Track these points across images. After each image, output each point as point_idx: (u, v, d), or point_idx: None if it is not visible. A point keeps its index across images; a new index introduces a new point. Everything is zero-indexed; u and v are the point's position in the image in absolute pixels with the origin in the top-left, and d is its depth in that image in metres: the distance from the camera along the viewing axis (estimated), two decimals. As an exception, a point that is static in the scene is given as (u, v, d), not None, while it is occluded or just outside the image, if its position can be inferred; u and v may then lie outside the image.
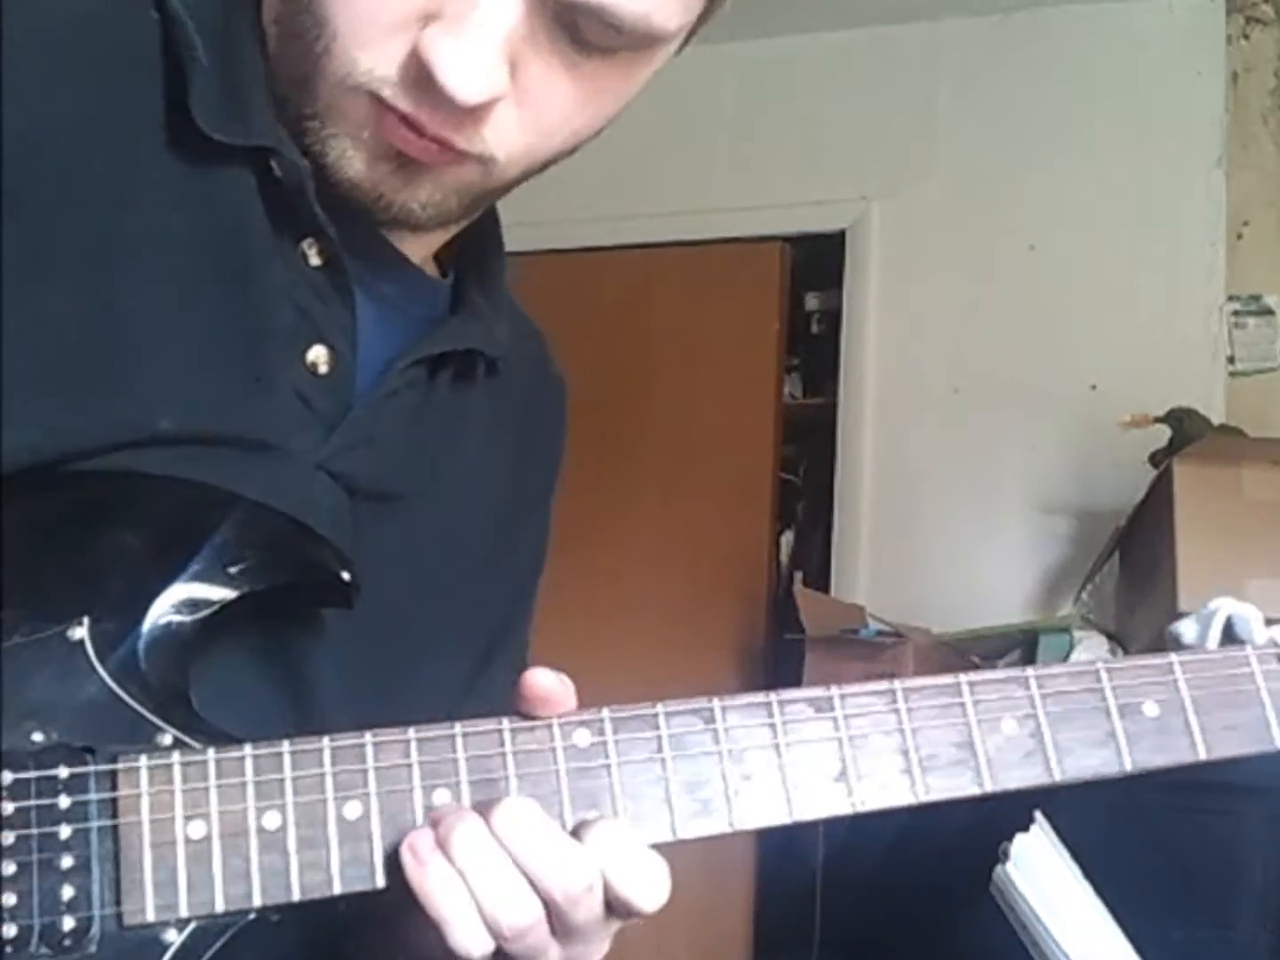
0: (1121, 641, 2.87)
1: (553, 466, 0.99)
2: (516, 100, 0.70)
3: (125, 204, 0.69)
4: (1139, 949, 1.67)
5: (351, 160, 0.71)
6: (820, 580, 3.68)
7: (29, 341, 0.66)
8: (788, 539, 4.12)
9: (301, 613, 0.74)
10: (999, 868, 1.71)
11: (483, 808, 0.64)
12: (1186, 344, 3.29)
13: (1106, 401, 3.24)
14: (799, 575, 3.97)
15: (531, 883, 0.63)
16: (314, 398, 0.75)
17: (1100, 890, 1.70)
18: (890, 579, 3.48)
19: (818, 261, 3.84)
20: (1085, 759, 0.71)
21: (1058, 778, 0.71)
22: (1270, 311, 3.28)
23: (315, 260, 0.75)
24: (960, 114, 3.60)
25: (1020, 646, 2.98)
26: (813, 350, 4.12)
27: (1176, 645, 0.81)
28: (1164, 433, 2.85)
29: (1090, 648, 2.82)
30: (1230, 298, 3.30)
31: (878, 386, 3.60)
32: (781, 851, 3.03)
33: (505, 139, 0.71)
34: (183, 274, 0.71)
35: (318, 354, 0.75)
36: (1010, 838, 1.72)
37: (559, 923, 0.64)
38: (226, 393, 0.72)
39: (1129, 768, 0.72)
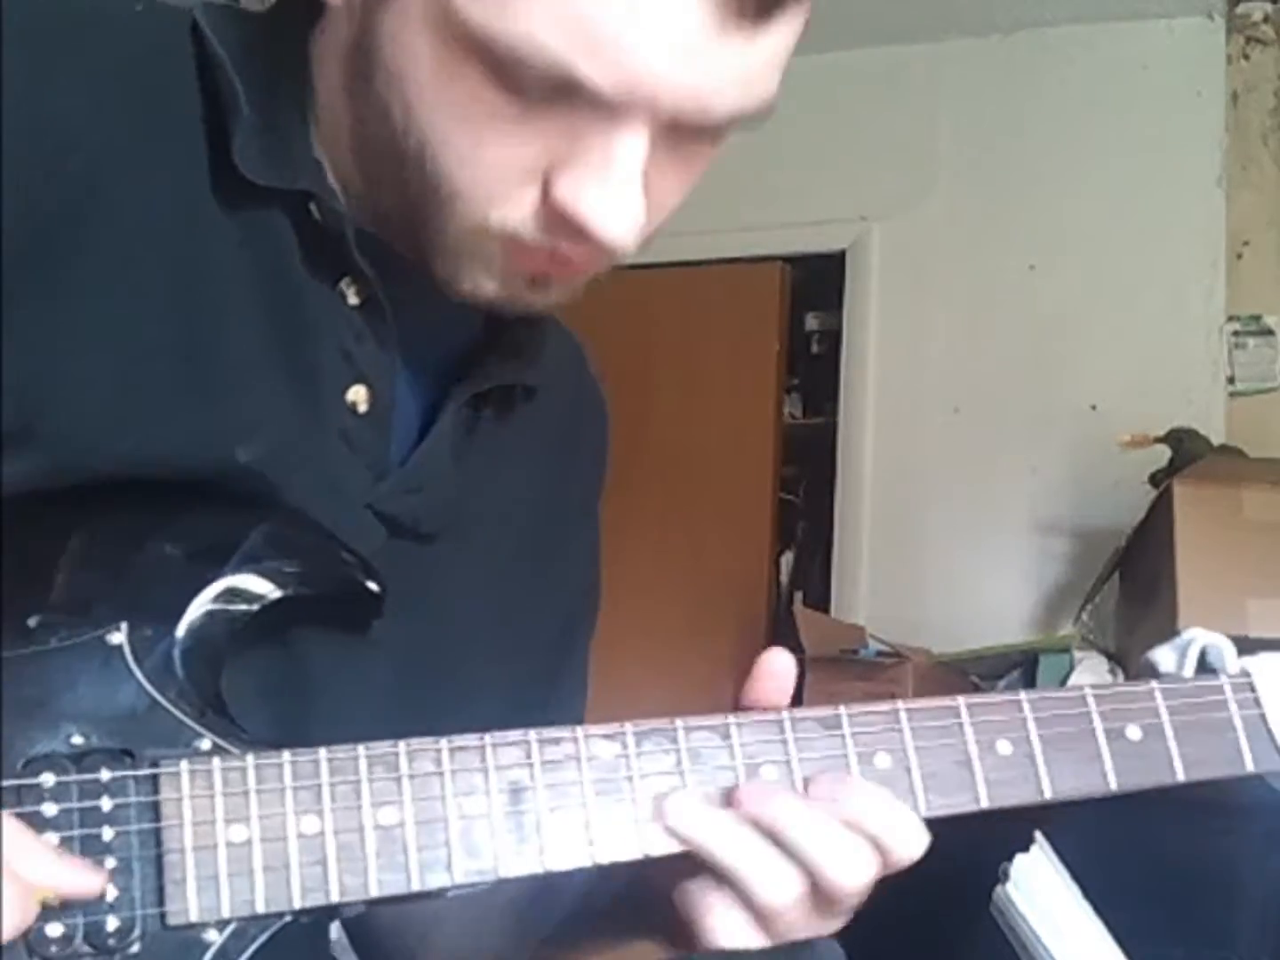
0: (1121, 661, 2.86)
1: (595, 477, 0.99)
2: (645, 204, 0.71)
3: (188, 238, 0.71)
4: (1139, 969, 1.66)
5: (486, 285, 0.73)
6: (820, 600, 3.68)
7: (129, 357, 0.69)
8: (788, 559, 4.12)
9: (328, 636, 0.75)
10: (999, 888, 1.70)
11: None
12: (1187, 364, 3.29)
13: (1107, 421, 3.24)
14: (799, 595, 3.98)
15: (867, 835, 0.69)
16: (355, 436, 0.76)
17: (1100, 910, 1.69)
18: (890, 599, 3.47)
19: (818, 282, 3.85)
20: (1074, 779, 0.76)
21: (1048, 796, 0.75)
22: (1270, 332, 3.28)
23: (353, 300, 0.75)
24: (961, 134, 3.61)
25: (1020, 666, 2.97)
26: (812, 370, 4.13)
27: (1153, 672, 0.85)
28: (1164, 453, 2.84)
29: (1090, 668, 2.81)
30: (1230, 318, 3.30)
31: (878, 406, 3.60)
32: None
33: (637, 236, 0.72)
34: (246, 309, 0.72)
35: (357, 393, 0.76)
36: (1010, 858, 1.71)
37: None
38: (291, 430, 0.73)
39: (1114, 788, 0.76)
